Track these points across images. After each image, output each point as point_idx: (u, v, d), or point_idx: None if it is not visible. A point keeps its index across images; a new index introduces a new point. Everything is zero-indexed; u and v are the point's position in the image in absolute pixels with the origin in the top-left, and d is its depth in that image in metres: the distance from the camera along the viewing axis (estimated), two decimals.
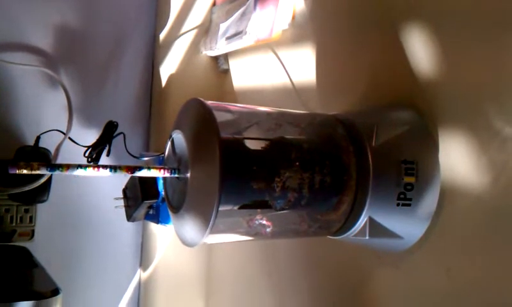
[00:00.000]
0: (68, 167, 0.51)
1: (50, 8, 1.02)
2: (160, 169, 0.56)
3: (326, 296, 0.77)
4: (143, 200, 0.91)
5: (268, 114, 0.65)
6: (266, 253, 0.92)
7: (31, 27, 1.01)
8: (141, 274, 1.13)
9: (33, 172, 0.50)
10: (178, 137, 0.57)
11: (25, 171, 0.50)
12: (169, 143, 0.60)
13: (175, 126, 0.59)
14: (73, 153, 0.90)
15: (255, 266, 0.95)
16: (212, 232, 0.53)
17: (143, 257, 1.13)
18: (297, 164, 0.56)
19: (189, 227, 0.55)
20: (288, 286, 0.85)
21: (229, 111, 0.62)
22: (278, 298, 0.89)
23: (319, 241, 0.76)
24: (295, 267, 0.84)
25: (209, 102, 0.56)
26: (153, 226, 1.07)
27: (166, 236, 1.08)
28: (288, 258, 0.86)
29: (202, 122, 0.55)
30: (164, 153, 0.62)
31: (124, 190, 0.97)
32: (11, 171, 0.49)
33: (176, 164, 0.58)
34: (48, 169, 0.51)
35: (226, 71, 1.07)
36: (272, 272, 0.90)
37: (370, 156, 0.56)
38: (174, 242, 1.08)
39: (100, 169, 0.53)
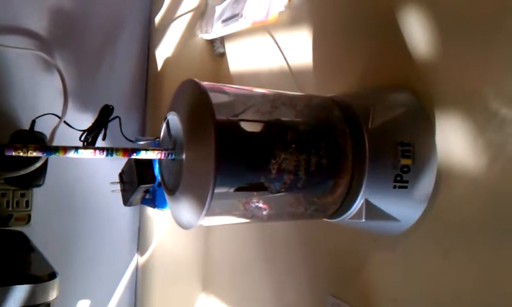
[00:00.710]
0: (65, 149, 0.51)
1: None
2: (156, 151, 0.56)
3: (323, 280, 0.77)
4: (139, 184, 0.90)
5: (264, 95, 0.64)
6: (263, 238, 0.92)
7: (26, 10, 1.00)
8: (138, 259, 1.13)
9: (29, 154, 0.50)
10: (174, 118, 0.57)
11: (21, 153, 0.49)
12: (164, 125, 0.59)
13: (170, 108, 0.58)
14: (69, 137, 0.89)
15: (252, 251, 0.95)
16: (208, 214, 0.52)
17: (140, 242, 1.12)
18: (293, 146, 0.56)
19: (185, 209, 0.55)
20: (286, 270, 0.86)
21: (225, 93, 0.62)
22: (275, 282, 0.89)
23: (315, 225, 0.76)
24: (292, 251, 0.84)
25: (205, 83, 0.56)
26: (150, 211, 1.07)
27: (163, 221, 1.07)
28: (286, 243, 0.86)
29: (197, 103, 0.54)
30: (159, 136, 0.61)
31: (120, 175, 0.96)
32: (8, 153, 0.48)
33: (171, 145, 0.58)
34: (46, 151, 0.50)
35: (222, 55, 1.06)
36: (270, 256, 0.90)
37: (366, 138, 0.56)
38: (171, 227, 1.08)
39: (97, 151, 0.53)
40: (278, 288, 0.88)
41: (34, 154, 0.49)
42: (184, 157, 0.54)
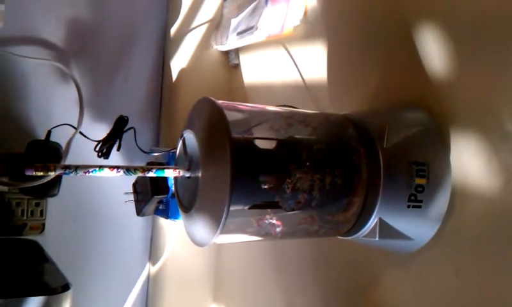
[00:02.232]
0: (86, 168, 0.52)
1: (62, 2, 1.02)
2: (174, 169, 0.57)
3: (335, 295, 0.77)
4: (152, 195, 0.91)
5: (278, 113, 0.65)
6: (275, 250, 0.92)
7: (43, 21, 1.01)
8: (150, 269, 1.14)
9: (50, 174, 0.50)
10: (190, 136, 0.57)
11: (41, 174, 0.50)
12: (180, 142, 0.60)
13: (186, 126, 0.59)
14: (84, 148, 0.91)
15: (263, 263, 0.95)
16: (222, 232, 0.53)
17: (152, 251, 1.13)
18: (307, 164, 0.56)
19: (200, 226, 0.56)
20: (297, 284, 0.86)
21: (240, 110, 0.62)
22: (286, 296, 0.89)
23: (328, 240, 0.76)
24: (303, 265, 0.84)
25: (220, 102, 0.56)
26: (162, 221, 1.08)
27: (175, 231, 1.08)
28: (297, 256, 0.86)
29: (213, 122, 0.55)
30: (175, 151, 0.62)
31: (134, 185, 0.97)
32: (28, 173, 0.49)
33: (187, 163, 0.58)
34: (66, 171, 0.51)
35: (237, 66, 1.07)
36: (281, 269, 0.90)
37: (381, 157, 0.56)
38: (183, 237, 1.07)
39: (115, 170, 0.53)
40: (289, 302, 0.88)
41: (54, 173, 0.50)
42: (199, 174, 0.54)
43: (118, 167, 0.52)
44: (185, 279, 1.10)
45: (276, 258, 0.92)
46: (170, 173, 0.56)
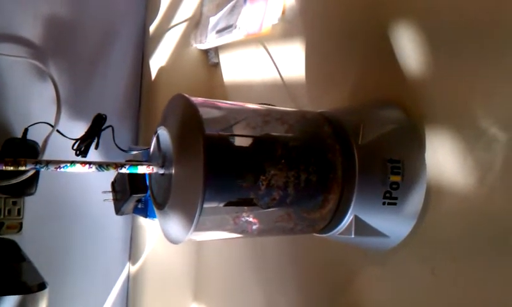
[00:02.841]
0: (57, 163, 0.51)
1: None
2: (147, 165, 0.56)
3: (314, 292, 0.77)
4: (131, 194, 0.90)
5: (255, 110, 0.64)
6: (255, 249, 0.91)
7: (20, 18, 1.00)
8: (130, 268, 1.13)
9: (20, 168, 0.50)
10: (163, 133, 0.57)
11: (11, 168, 0.49)
12: (154, 139, 0.59)
13: (161, 123, 0.58)
14: (62, 146, 0.90)
15: (243, 262, 0.95)
16: (197, 229, 0.52)
17: (132, 251, 1.12)
18: (282, 161, 0.56)
19: (174, 224, 0.55)
20: (277, 282, 0.86)
21: (216, 107, 0.62)
22: (266, 293, 0.89)
23: (306, 238, 0.76)
24: (283, 263, 0.84)
25: (195, 99, 0.56)
26: (142, 220, 1.07)
27: (155, 230, 1.07)
28: (277, 254, 0.86)
29: (187, 118, 0.54)
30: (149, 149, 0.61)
31: (113, 184, 0.96)
32: None
33: (161, 160, 0.57)
34: (37, 166, 0.50)
35: (216, 65, 1.07)
36: (261, 267, 0.90)
37: (356, 154, 0.56)
38: (163, 236, 1.07)
39: (88, 166, 0.52)
40: (270, 299, 0.88)
41: (24, 168, 0.49)
42: (173, 171, 0.54)
43: (90, 163, 0.52)
44: (166, 279, 1.10)
45: (256, 256, 0.91)
46: (143, 170, 0.56)
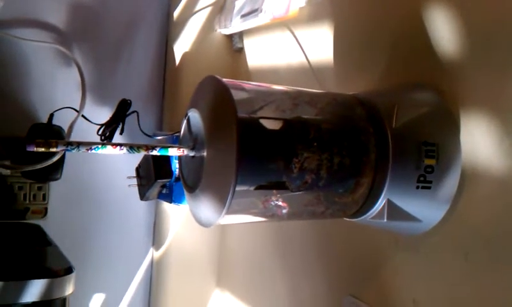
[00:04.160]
0: (89, 145, 0.51)
1: None
2: (178, 148, 0.56)
3: (341, 279, 0.76)
4: (156, 179, 0.90)
5: (285, 93, 0.64)
6: (280, 234, 0.91)
7: (45, 3, 0.99)
8: (153, 253, 1.13)
9: (51, 150, 0.49)
10: (194, 115, 0.56)
11: (43, 149, 0.49)
12: (185, 121, 0.59)
13: (191, 105, 0.58)
14: (87, 131, 0.90)
15: (267, 247, 0.95)
16: (228, 213, 0.52)
17: (156, 236, 1.12)
18: (315, 144, 0.55)
19: (205, 207, 0.55)
20: (302, 268, 0.85)
21: (245, 90, 0.61)
22: (290, 280, 0.88)
23: (334, 222, 0.75)
24: (309, 248, 0.83)
25: (226, 80, 0.55)
26: (166, 205, 1.07)
27: (178, 216, 1.07)
28: (302, 240, 0.85)
29: (219, 100, 0.54)
30: (179, 131, 0.61)
31: (137, 169, 0.96)
32: (29, 149, 0.48)
33: (191, 142, 0.57)
34: (68, 147, 0.50)
35: (241, 50, 1.06)
36: (286, 253, 0.90)
37: (390, 137, 0.55)
38: (187, 222, 1.07)
39: (118, 147, 0.52)
40: (294, 285, 0.87)
41: (56, 149, 0.49)
42: (205, 154, 0.53)
43: (121, 145, 0.51)
44: (189, 264, 1.10)
45: (281, 241, 0.91)
46: (174, 152, 0.55)
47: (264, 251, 0.96)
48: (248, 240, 1.02)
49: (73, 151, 0.50)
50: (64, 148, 0.50)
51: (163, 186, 0.95)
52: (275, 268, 0.93)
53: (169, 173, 0.91)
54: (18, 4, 0.97)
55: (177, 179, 0.94)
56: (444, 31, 0.59)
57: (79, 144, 0.50)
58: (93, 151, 0.51)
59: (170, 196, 0.95)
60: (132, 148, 0.52)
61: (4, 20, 0.94)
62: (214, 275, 1.11)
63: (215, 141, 0.53)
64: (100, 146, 0.51)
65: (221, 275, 1.11)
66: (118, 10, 1.06)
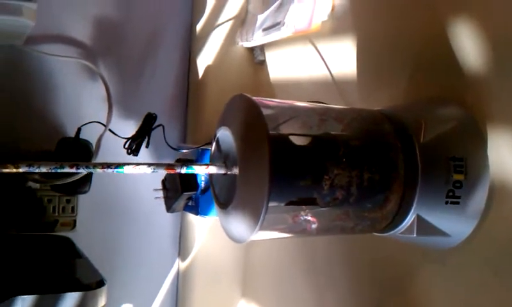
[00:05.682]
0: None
1: (89, 1, 1.03)
2: (208, 165, 0.57)
3: (367, 292, 0.76)
4: (182, 192, 0.91)
5: (312, 109, 0.65)
6: (305, 247, 0.92)
7: (70, 19, 1.01)
8: (179, 264, 1.14)
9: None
10: (225, 133, 0.58)
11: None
12: (214, 141, 0.60)
13: (221, 123, 0.59)
14: (114, 145, 0.92)
15: (293, 259, 0.95)
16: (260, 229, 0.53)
17: (182, 247, 1.13)
18: (344, 160, 0.56)
19: (238, 223, 0.56)
20: (327, 281, 0.85)
21: (272, 107, 0.62)
22: (316, 292, 0.89)
23: (359, 235, 0.76)
24: (334, 261, 0.84)
25: (255, 98, 0.56)
26: (191, 217, 1.08)
27: (204, 227, 1.08)
28: (328, 252, 0.85)
29: (250, 119, 0.55)
30: (204, 148, 0.62)
31: (163, 182, 0.97)
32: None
33: (222, 160, 0.58)
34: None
35: (262, 63, 1.07)
36: (311, 266, 0.90)
37: (418, 152, 0.55)
38: (212, 233, 1.08)
39: (144, 167, 0.53)
40: (319, 298, 0.88)
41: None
42: (237, 171, 0.55)
43: (147, 165, 0.53)
44: (215, 275, 1.11)
45: (306, 253, 0.92)
46: (207, 170, 0.56)
47: (289, 263, 0.97)
48: (273, 251, 1.02)
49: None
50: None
51: (189, 198, 0.96)
52: (300, 280, 0.93)
53: (195, 185, 0.93)
54: (45, 21, 0.99)
55: (203, 191, 0.95)
56: (468, 45, 0.60)
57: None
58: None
59: (196, 208, 0.96)
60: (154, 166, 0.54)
61: (33, 37, 0.96)
62: (240, 286, 1.12)
63: (247, 159, 0.54)
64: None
65: (246, 285, 1.11)
66: (142, 25, 1.08)
